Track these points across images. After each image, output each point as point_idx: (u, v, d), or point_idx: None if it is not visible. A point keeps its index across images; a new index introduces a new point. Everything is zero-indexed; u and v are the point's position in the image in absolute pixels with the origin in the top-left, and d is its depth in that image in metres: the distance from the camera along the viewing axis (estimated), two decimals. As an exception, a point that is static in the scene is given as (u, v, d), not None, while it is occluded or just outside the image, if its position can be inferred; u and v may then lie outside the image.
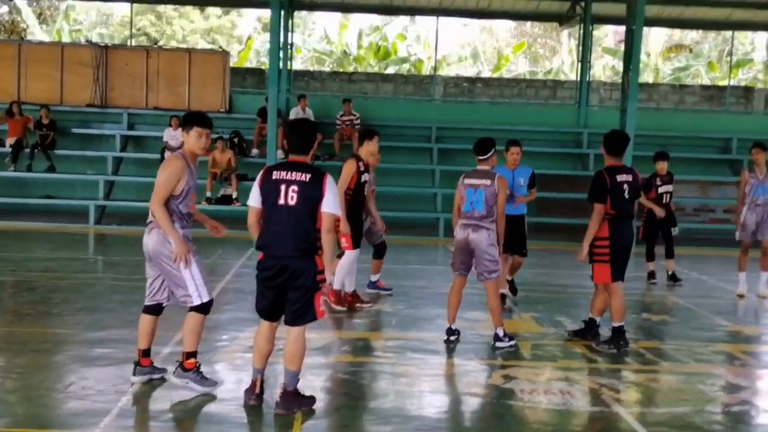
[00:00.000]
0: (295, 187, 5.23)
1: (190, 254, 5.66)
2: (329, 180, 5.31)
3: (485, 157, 7.45)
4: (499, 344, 7.42)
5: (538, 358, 7.21)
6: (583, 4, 20.04)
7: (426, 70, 30.18)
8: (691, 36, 35.66)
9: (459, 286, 7.59)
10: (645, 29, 24.16)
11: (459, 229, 7.42)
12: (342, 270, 8.73)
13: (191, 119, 5.85)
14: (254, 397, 5.56)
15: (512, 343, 7.45)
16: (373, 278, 9.73)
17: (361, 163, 8.72)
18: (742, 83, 30.61)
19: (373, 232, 9.40)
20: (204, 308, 5.77)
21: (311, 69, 29.38)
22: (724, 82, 26.47)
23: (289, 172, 5.29)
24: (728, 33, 24.79)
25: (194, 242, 5.83)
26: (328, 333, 7.77)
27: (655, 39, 32.16)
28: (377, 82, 23.06)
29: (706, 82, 29.92)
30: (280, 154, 16.94)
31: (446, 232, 15.61)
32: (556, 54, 37.87)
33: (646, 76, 30.87)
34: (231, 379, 6.21)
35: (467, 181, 7.45)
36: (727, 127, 19.84)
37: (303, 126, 5.59)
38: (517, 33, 42.23)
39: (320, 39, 33.06)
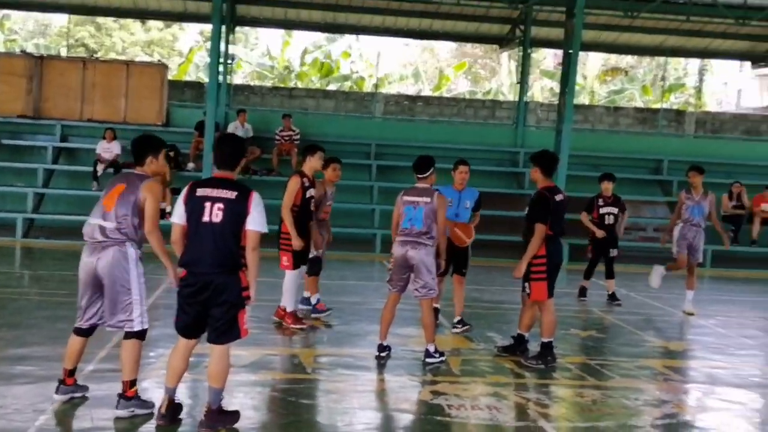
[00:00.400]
0: (220, 204, 5.20)
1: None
2: (255, 197, 5.29)
3: (425, 175, 7.50)
4: (429, 360, 7.45)
5: (468, 374, 7.26)
6: (522, 27, 20.40)
7: (367, 87, 30.32)
8: (626, 60, 36.58)
9: (393, 302, 7.60)
10: (582, 53, 24.78)
11: (397, 246, 7.44)
12: (290, 291, 8.73)
13: (158, 143, 5.84)
14: (162, 416, 5.44)
15: (443, 358, 7.51)
16: (313, 300, 9.44)
17: (305, 179, 8.65)
18: (675, 107, 31.50)
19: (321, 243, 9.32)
20: (142, 334, 5.64)
21: (252, 84, 29.25)
22: (657, 106, 27.19)
23: (215, 189, 5.26)
24: (662, 59, 25.52)
25: (143, 260, 5.72)
26: (257, 350, 7.70)
27: (592, 62, 32.92)
28: (318, 98, 23.07)
29: (640, 105, 30.71)
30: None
31: (383, 248, 15.66)
32: (495, 75, 38.47)
33: (583, 98, 31.56)
34: (157, 397, 6.08)
35: (406, 198, 7.47)
36: (659, 149, 20.36)
37: (230, 141, 5.56)
38: (458, 53, 42.77)
39: (262, 54, 32.98)
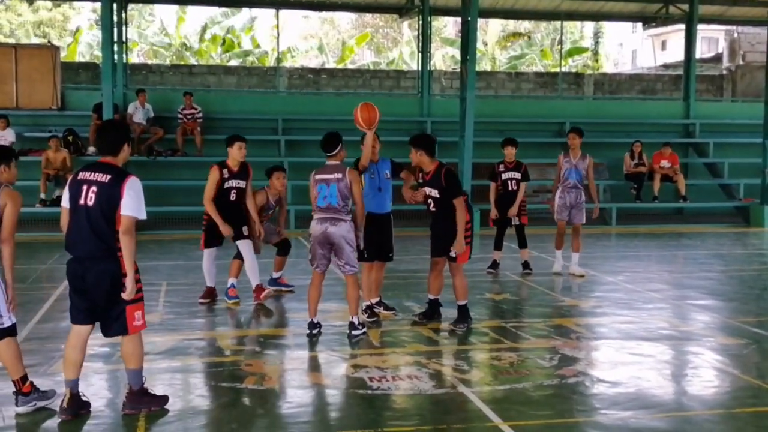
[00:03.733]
0: (94, 188, 5.16)
1: None
2: (130, 181, 5.17)
3: (333, 152, 7.49)
4: (354, 332, 7.47)
5: (388, 345, 7.31)
6: (421, -5, 20.43)
7: (270, 62, 29.89)
8: (524, 26, 37.18)
9: (318, 281, 7.56)
10: (481, 20, 25.01)
11: (316, 223, 7.41)
12: (204, 269, 9.02)
13: (7, 152, 5.69)
14: (64, 410, 5.29)
15: (364, 330, 7.54)
16: (275, 275, 9.74)
17: (225, 170, 8.76)
18: (573, 70, 32.23)
19: (272, 233, 9.59)
20: (14, 330, 5.44)
21: (149, 62, 28.41)
22: (556, 69, 27.75)
23: (93, 173, 5.23)
24: (558, 23, 26.01)
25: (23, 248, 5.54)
26: (173, 335, 7.55)
27: (491, 29, 33.29)
28: (219, 74, 22.60)
29: (540, 69, 31.29)
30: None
31: (298, 224, 15.58)
32: (397, 45, 38.48)
33: (485, 65, 31.94)
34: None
35: (318, 176, 7.46)
36: (561, 112, 20.84)
37: (109, 127, 5.64)
38: (358, 24, 42.58)
39: (158, 31, 32.04)
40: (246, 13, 31.05)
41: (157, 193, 15.46)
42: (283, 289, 9.65)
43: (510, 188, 11.23)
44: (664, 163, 18.14)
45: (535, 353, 7.05)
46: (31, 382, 5.48)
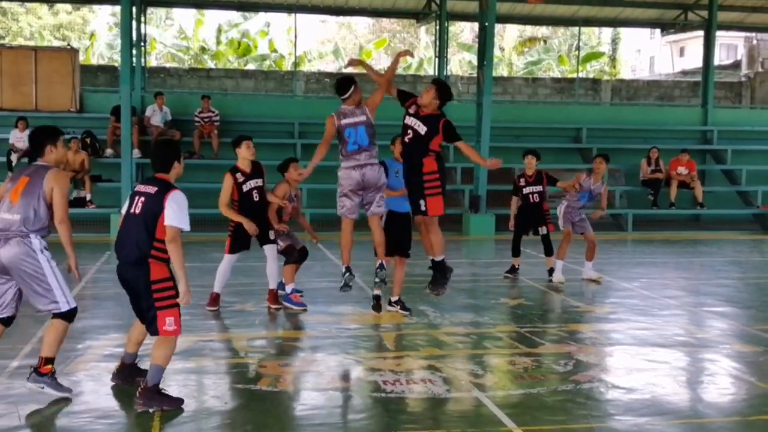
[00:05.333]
0: (143, 198, 5.52)
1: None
2: (172, 194, 5.46)
3: (347, 95, 7.71)
4: (379, 271, 7.85)
5: (402, 348, 7.31)
6: (438, 1, 20.44)
7: (287, 66, 29.98)
8: (541, 31, 37.11)
9: (351, 228, 7.84)
10: (498, 25, 25.00)
11: (350, 170, 7.56)
12: (219, 273, 8.77)
13: (54, 132, 5.97)
14: (114, 376, 6.01)
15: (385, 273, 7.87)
16: (288, 289, 8.97)
17: (238, 174, 8.59)
18: (590, 76, 32.14)
19: (294, 239, 9.15)
20: (70, 315, 5.74)
21: (167, 66, 28.58)
22: (573, 75, 27.70)
23: (146, 186, 5.62)
24: (576, 28, 25.94)
25: (49, 248, 5.70)
26: (188, 336, 7.58)
27: (508, 34, 33.25)
28: (237, 78, 22.71)
29: (557, 75, 31.23)
30: (136, 153, 16.40)
31: (315, 227, 15.55)
32: (415, 49, 38.51)
33: (501, 70, 31.90)
34: (87, 390, 5.95)
35: (344, 121, 7.59)
36: (577, 118, 20.76)
37: (159, 147, 6.06)
38: (375, 29, 42.63)
39: (176, 35, 32.23)
40: (262, 17, 31.17)
41: (174, 196, 15.54)
42: (295, 308, 8.86)
43: (532, 201, 11.05)
44: (681, 170, 18.04)
45: (550, 358, 7.03)
46: (54, 371, 5.68)
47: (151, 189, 5.52)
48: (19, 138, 16.02)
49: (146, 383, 5.49)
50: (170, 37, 32.20)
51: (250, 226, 8.48)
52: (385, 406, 5.73)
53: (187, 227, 5.48)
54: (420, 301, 9.36)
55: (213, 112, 17.65)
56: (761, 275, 12.48)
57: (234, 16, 30.78)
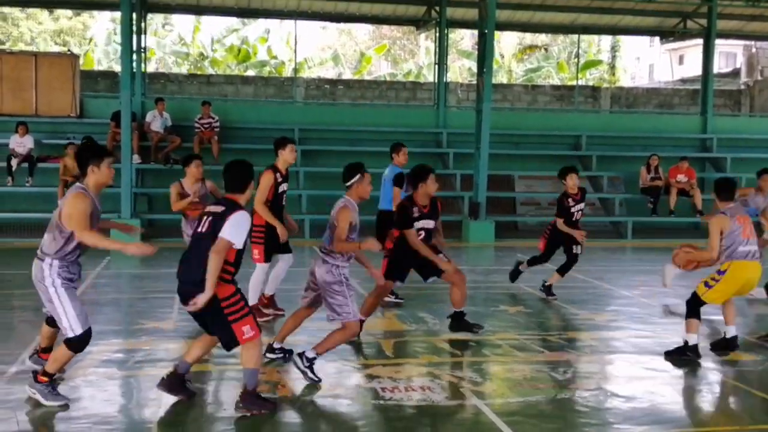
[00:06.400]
0: (210, 218, 5.50)
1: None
2: (237, 215, 5.42)
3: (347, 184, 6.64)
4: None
5: (401, 356, 7.30)
6: (438, 8, 20.49)
7: (287, 72, 30.03)
8: (541, 39, 37.18)
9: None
10: (498, 33, 25.05)
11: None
12: (256, 284, 8.55)
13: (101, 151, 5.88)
14: (161, 382, 5.79)
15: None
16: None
17: (278, 174, 8.44)
18: (590, 83, 32.19)
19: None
20: (74, 344, 5.67)
21: (167, 71, 28.62)
22: (573, 82, 27.74)
23: (215, 206, 5.60)
24: (575, 36, 25.99)
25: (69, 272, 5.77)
26: (188, 342, 7.56)
27: (508, 41, 33.32)
28: (237, 84, 22.74)
29: (557, 82, 31.27)
30: (136, 158, 16.41)
31: (312, 233, 15.59)
32: (414, 56, 38.59)
33: (501, 77, 31.95)
34: (85, 395, 5.95)
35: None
36: (577, 125, 20.78)
37: (234, 167, 5.78)
38: (376, 36, 42.70)
39: (176, 41, 32.30)
40: (261, 23, 31.26)
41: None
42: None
43: (575, 219, 10.33)
44: (681, 178, 18.05)
45: (549, 366, 7.02)
46: (48, 382, 5.66)
47: (219, 209, 5.49)
48: (20, 143, 16.03)
49: (245, 387, 5.59)
50: (169, 42, 32.25)
51: (282, 232, 8.34)
52: (383, 413, 5.73)
53: (239, 244, 5.39)
54: (420, 308, 9.35)
55: (213, 118, 17.66)
56: (760, 284, 12.45)
57: (232, 22, 30.83)
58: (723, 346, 7.49)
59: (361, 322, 7.45)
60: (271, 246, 8.48)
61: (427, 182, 7.82)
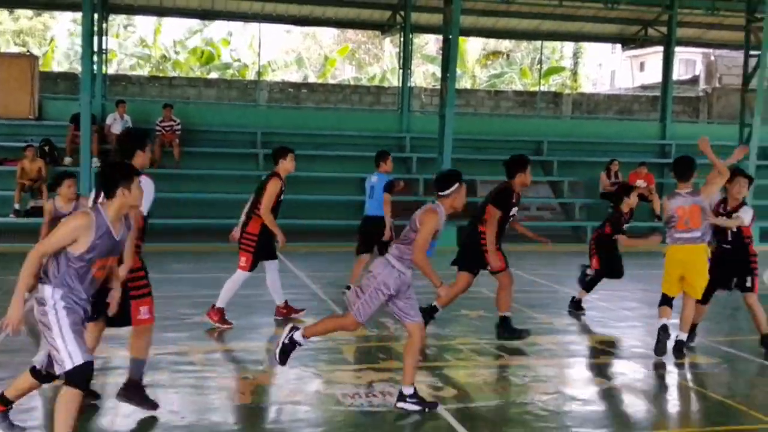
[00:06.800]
0: None
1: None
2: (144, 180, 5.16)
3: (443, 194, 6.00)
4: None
5: (362, 361, 7.29)
6: (403, 13, 20.54)
7: (250, 75, 29.89)
8: (504, 45, 37.47)
9: None
10: (462, 38, 25.19)
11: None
12: (228, 288, 8.48)
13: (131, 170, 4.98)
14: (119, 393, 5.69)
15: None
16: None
17: (282, 182, 8.59)
18: (552, 89, 32.49)
19: None
20: (72, 379, 4.68)
21: (128, 73, 28.32)
22: (535, 88, 27.98)
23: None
24: (538, 42, 26.22)
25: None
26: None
27: (472, 47, 33.50)
28: (199, 87, 22.57)
29: (519, 88, 31.51)
30: (95, 161, 16.20)
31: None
32: (379, 61, 38.64)
33: (465, 83, 32.12)
34: (38, 405, 5.84)
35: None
36: (539, 131, 20.95)
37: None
38: (340, 40, 42.68)
39: (137, 43, 31.98)
40: (222, 24, 31.07)
41: (134, 205, 15.38)
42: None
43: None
44: (640, 183, 18.24)
45: (509, 370, 7.06)
46: (7, 408, 5.14)
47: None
48: (-24, 145, 15.75)
49: (130, 377, 5.61)
50: (131, 44, 31.93)
51: (283, 239, 8.47)
52: (343, 419, 5.71)
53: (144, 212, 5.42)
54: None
55: (175, 121, 17.50)
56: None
57: (194, 23, 30.62)
58: (674, 349, 7.55)
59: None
60: (260, 255, 8.57)
61: (526, 172, 8.09)
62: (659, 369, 7.32)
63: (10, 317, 4.55)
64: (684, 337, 7.58)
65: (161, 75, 27.86)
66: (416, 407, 5.83)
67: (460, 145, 18.03)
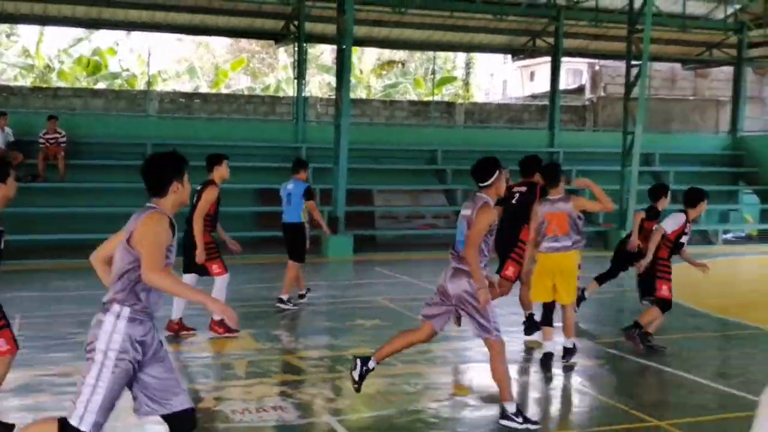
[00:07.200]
0: None
1: None
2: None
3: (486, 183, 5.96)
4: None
5: (253, 375, 7.18)
6: (296, 23, 20.48)
7: (140, 85, 29.18)
8: (399, 55, 37.89)
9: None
10: (356, 48, 25.30)
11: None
12: (222, 295, 8.34)
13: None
14: None
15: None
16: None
17: (218, 190, 8.50)
18: (445, 99, 33.04)
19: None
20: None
21: (11, 84, 27.15)
22: (429, 98, 28.37)
23: None
24: (431, 53, 26.62)
25: None
26: (27, 371, 7.15)
27: (367, 57, 33.73)
28: (86, 97, 21.85)
29: (414, 98, 31.90)
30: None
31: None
32: (274, 70, 38.38)
33: (360, 93, 32.28)
34: None
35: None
36: (433, 140, 21.24)
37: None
38: (234, 49, 42.19)
39: (19, 53, 30.73)
40: (111, 33, 30.24)
41: (16, 221, 14.70)
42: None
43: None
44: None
45: (402, 379, 7.09)
46: None
47: None
48: None
49: None
50: (13, 54, 30.64)
51: (201, 254, 8.28)
52: (233, 436, 5.61)
53: None
54: (274, 326, 9.25)
55: (60, 133, 16.87)
56: (602, 290, 13.08)
57: (79, 31, 29.65)
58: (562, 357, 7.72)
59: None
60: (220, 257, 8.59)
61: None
62: (547, 372, 7.50)
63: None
64: (569, 344, 7.74)
65: (45, 86, 26.84)
66: (519, 425, 5.67)
67: (356, 155, 18.09)
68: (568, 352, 7.69)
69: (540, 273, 7.59)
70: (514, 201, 8.51)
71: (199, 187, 8.55)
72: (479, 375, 7.32)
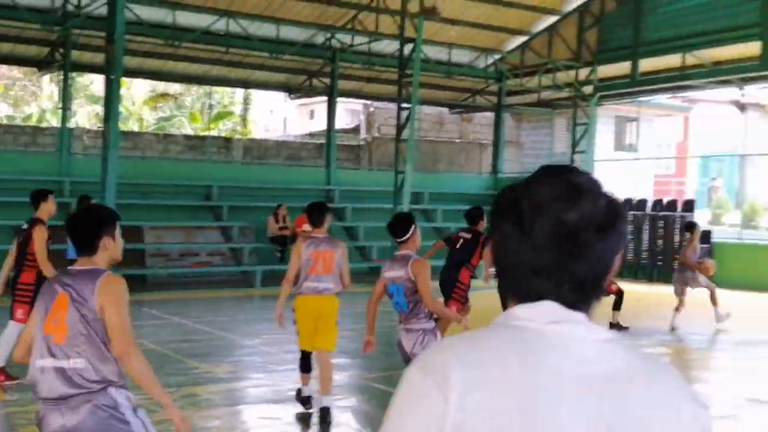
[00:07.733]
0: None
1: None
2: None
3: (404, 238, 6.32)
4: None
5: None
6: (62, 50, 19.43)
7: None
8: (174, 87, 37.11)
9: None
10: (129, 79, 24.44)
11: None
12: (9, 344, 7.55)
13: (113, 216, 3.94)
14: None
15: None
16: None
17: (45, 227, 7.85)
18: (223, 134, 32.72)
19: None
20: None
21: None
22: (206, 133, 27.97)
23: None
24: (209, 87, 26.24)
25: None
26: None
27: (140, 88, 32.69)
28: None
29: (189, 132, 31.30)
30: None
31: None
32: (37, 99, 36.15)
33: (132, 125, 31.18)
34: None
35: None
36: (209, 176, 20.88)
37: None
38: (-6, 74, 39.27)
39: None
40: None
41: None
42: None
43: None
44: (306, 227, 18.79)
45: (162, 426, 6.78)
46: None
47: None
48: None
49: None
50: None
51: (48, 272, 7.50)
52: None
53: None
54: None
55: None
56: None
57: None
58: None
59: None
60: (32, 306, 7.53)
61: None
62: (312, 412, 7.48)
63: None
64: (329, 402, 7.07)
65: None
66: None
67: (127, 190, 17.39)
68: (326, 414, 7.13)
69: (302, 317, 7.20)
70: (458, 246, 9.73)
71: (25, 226, 8.05)
72: (245, 416, 7.17)
